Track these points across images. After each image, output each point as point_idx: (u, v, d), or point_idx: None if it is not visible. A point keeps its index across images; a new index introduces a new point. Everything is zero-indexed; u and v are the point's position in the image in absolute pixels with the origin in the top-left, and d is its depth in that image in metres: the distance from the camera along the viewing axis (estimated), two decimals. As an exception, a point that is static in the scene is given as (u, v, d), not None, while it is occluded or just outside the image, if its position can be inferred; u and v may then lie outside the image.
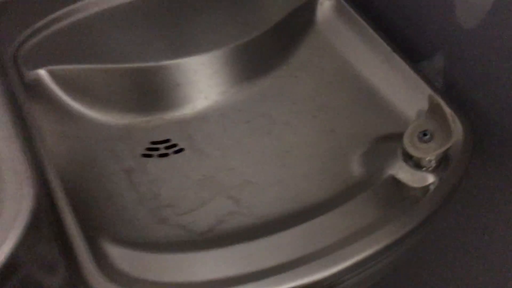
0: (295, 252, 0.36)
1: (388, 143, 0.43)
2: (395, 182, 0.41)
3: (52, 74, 0.43)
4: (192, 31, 0.47)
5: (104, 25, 0.45)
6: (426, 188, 0.40)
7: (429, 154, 0.38)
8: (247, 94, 0.47)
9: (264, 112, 0.46)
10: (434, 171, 0.40)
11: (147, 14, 0.46)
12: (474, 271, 0.57)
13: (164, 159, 0.43)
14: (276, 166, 0.43)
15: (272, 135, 0.45)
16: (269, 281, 0.34)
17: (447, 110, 0.36)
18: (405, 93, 0.45)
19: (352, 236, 0.37)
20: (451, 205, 0.44)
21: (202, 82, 0.46)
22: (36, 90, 0.43)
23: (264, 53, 0.48)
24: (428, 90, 0.45)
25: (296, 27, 0.50)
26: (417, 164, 0.40)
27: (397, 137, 0.41)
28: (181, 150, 0.43)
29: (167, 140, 0.44)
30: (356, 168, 0.43)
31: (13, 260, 0.27)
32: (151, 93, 0.45)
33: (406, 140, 0.39)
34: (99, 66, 0.43)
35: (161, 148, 0.43)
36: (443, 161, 0.41)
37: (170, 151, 0.43)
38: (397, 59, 0.47)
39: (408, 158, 0.40)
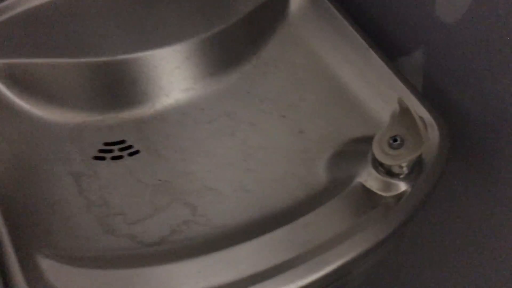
0: (255, 267, 0.34)
1: (359, 147, 0.40)
2: (365, 189, 0.38)
3: (-6, 68, 0.40)
4: (152, 22, 0.44)
5: (52, 15, 0.41)
6: (398, 196, 0.38)
7: (399, 161, 0.35)
8: (211, 92, 0.44)
9: (228, 111, 0.43)
10: (406, 178, 0.38)
11: (103, 4, 0.43)
12: (450, 273, 0.55)
13: (118, 162, 0.40)
14: (239, 170, 0.40)
15: (236, 136, 0.42)
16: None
17: (416, 115, 0.33)
18: (380, 93, 0.43)
19: (318, 248, 0.35)
20: (425, 210, 0.42)
21: (163, 78, 0.43)
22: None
23: (231, 47, 0.45)
24: (404, 90, 0.42)
25: (267, 19, 0.47)
26: (388, 171, 0.37)
27: (369, 140, 0.38)
28: (136, 152, 0.40)
29: (122, 141, 0.41)
30: (324, 174, 0.40)
31: None
32: (106, 90, 0.41)
33: (375, 146, 0.36)
34: (47, 60, 0.40)
35: (115, 150, 0.40)
36: (416, 167, 0.38)
37: (124, 153, 0.40)
38: (373, 56, 0.44)
39: (379, 164, 0.38)
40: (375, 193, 0.37)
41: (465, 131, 0.44)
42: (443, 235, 0.54)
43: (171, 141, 0.41)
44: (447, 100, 0.45)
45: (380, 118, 0.42)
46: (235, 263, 0.33)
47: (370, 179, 0.38)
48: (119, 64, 0.41)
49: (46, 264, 0.31)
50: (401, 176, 0.38)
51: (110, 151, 0.40)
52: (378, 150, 0.36)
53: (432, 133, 0.39)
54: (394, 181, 0.37)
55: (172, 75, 0.43)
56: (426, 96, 0.47)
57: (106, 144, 0.40)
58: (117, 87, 0.42)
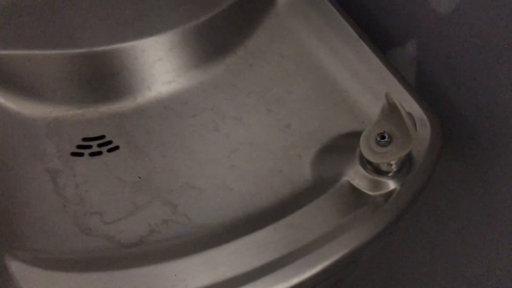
0: (235, 269, 0.32)
1: (347, 143, 0.39)
2: (352, 188, 0.37)
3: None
4: (133, 12, 0.42)
5: (28, 5, 0.40)
6: (386, 195, 0.36)
7: (387, 159, 0.33)
8: (195, 85, 0.42)
9: (213, 105, 0.41)
10: (395, 176, 0.36)
11: (81, -8, 0.41)
12: (444, 268, 0.54)
13: (96, 158, 0.38)
14: (222, 167, 0.38)
15: (220, 131, 0.40)
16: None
17: (404, 111, 0.31)
18: (370, 86, 0.41)
19: (302, 250, 0.33)
20: (417, 207, 0.41)
21: (144, 71, 0.41)
22: None
23: (216, 37, 0.43)
24: (396, 83, 0.40)
25: (254, 8, 0.45)
26: (376, 169, 0.36)
27: (358, 136, 0.37)
28: (116, 148, 0.39)
29: (102, 137, 0.39)
30: (311, 171, 0.38)
31: None
32: (85, 83, 0.40)
33: (363, 143, 0.34)
34: (22, 52, 0.38)
35: (94, 145, 0.39)
36: (405, 165, 0.36)
37: (103, 149, 0.38)
38: (364, 47, 0.42)
39: (367, 162, 0.36)
40: (363, 192, 0.36)
41: (458, 125, 0.43)
42: (436, 231, 0.52)
43: (152, 136, 0.40)
44: (441, 94, 0.43)
45: (370, 112, 0.40)
46: (214, 265, 0.32)
47: (357, 177, 0.36)
48: (98, 56, 0.40)
49: (16, 267, 0.30)
50: (390, 174, 0.36)
51: (89, 146, 0.39)
52: (365, 148, 0.34)
53: (423, 129, 0.38)
54: (382, 179, 0.36)
55: (154, 68, 0.41)
56: (419, 89, 0.45)
57: (85, 139, 0.39)
58: (97, 80, 0.40)
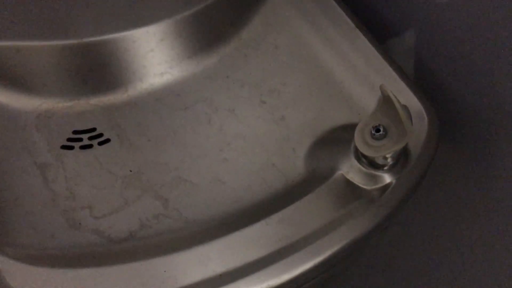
0: (226, 265, 0.32)
1: (342, 135, 0.38)
2: (347, 182, 0.36)
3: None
4: (124, 2, 0.41)
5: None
6: (382, 189, 0.36)
7: (382, 153, 0.33)
8: (188, 76, 0.41)
9: (206, 97, 0.41)
10: (391, 169, 0.35)
11: (71, -18, 0.40)
12: (443, 261, 0.53)
13: (87, 152, 0.37)
14: (215, 160, 0.38)
15: (212, 124, 0.39)
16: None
17: (399, 104, 0.30)
18: (367, 78, 0.40)
19: (294, 245, 0.33)
20: (412, 201, 0.40)
21: (135, 62, 0.40)
22: None
23: (209, 27, 0.42)
24: (393, 75, 0.40)
25: (248, -3, 0.44)
26: (371, 163, 0.35)
27: (354, 128, 0.36)
28: (107, 141, 0.38)
29: (92, 129, 0.38)
30: (305, 164, 0.38)
31: None
32: (75, 74, 0.39)
33: (357, 136, 0.34)
34: (11, 43, 0.37)
35: (85, 138, 0.38)
36: (401, 158, 0.36)
37: (94, 142, 0.38)
38: (360, 37, 0.41)
39: (362, 155, 0.35)
40: (358, 186, 0.35)
41: (457, 117, 0.42)
42: (434, 224, 0.52)
43: (144, 129, 0.39)
44: (439, 84, 0.42)
45: (366, 105, 0.40)
46: (205, 261, 0.31)
47: (352, 171, 0.35)
48: (88, 47, 0.39)
49: (3, 263, 0.29)
50: (386, 168, 0.35)
51: (79, 139, 0.38)
52: (360, 141, 0.34)
53: (421, 122, 0.37)
54: (377, 173, 0.35)
55: (145, 59, 0.40)
56: (417, 80, 0.44)
57: (75, 132, 0.38)
58: (87, 72, 0.39)
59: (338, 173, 0.36)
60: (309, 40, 0.43)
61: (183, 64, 0.42)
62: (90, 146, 0.38)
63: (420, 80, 0.44)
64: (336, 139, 0.38)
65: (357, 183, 0.35)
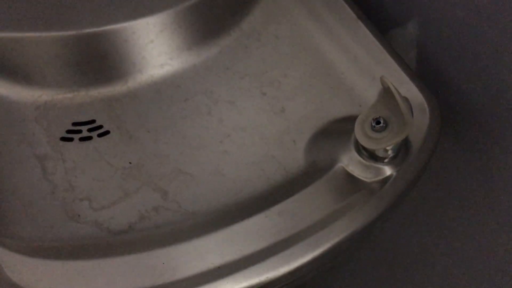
0: (227, 256, 0.32)
1: (342, 128, 0.37)
2: (347, 174, 0.36)
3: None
4: (123, -8, 0.41)
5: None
6: (382, 181, 0.35)
7: (382, 145, 0.32)
8: (188, 68, 0.41)
9: (206, 88, 0.40)
10: (391, 162, 0.35)
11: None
12: (442, 253, 0.53)
13: (86, 143, 0.37)
14: (215, 152, 0.38)
15: (212, 116, 0.39)
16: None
17: (399, 96, 0.30)
18: (368, 69, 0.40)
19: (292, 238, 0.33)
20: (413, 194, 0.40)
21: (135, 53, 0.40)
22: None
23: (210, 18, 0.42)
24: (395, 66, 0.39)
25: (249, -13, 0.44)
26: (372, 155, 0.35)
27: (354, 121, 0.35)
28: (106, 132, 0.38)
29: (92, 121, 0.38)
30: (305, 157, 0.37)
31: None
32: (74, 66, 0.39)
33: (357, 129, 0.33)
34: (10, 34, 0.37)
35: (84, 130, 0.38)
36: (402, 150, 0.35)
37: (94, 134, 0.38)
38: (362, 28, 0.41)
39: (362, 147, 0.35)
40: (358, 179, 0.35)
41: (459, 109, 0.41)
42: (435, 216, 0.52)
43: (143, 120, 0.39)
44: (442, 77, 0.42)
45: (368, 96, 0.39)
46: (203, 253, 0.31)
47: (352, 163, 0.35)
48: (88, 38, 0.38)
49: (3, 255, 0.29)
50: (386, 160, 0.35)
51: (79, 131, 0.38)
52: (360, 133, 0.33)
53: (422, 114, 0.37)
54: (378, 165, 0.35)
55: (145, 50, 0.40)
56: (419, 72, 0.44)
57: (75, 124, 0.38)
58: (87, 63, 0.39)
59: (338, 165, 0.35)
60: (310, 31, 0.43)
61: (183, 56, 0.41)
62: (90, 138, 0.38)
63: (422, 72, 0.43)
64: (337, 131, 0.38)
65: (357, 176, 0.35)
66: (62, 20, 0.39)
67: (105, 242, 0.32)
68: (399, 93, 0.30)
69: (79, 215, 0.34)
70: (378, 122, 0.33)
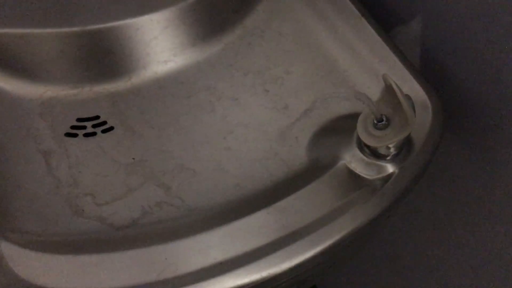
0: (229, 252, 0.32)
1: (345, 125, 0.37)
2: (349, 172, 0.36)
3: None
4: (127, -11, 0.41)
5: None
6: (384, 178, 0.35)
7: (384, 143, 0.32)
8: (191, 64, 0.41)
9: (209, 85, 0.41)
10: (393, 159, 0.35)
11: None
12: (444, 249, 0.53)
13: (90, 139, 0.38)
14: (217, 149, 0.38)
15: (215, 112, 0.39)
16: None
17: (401, 94, 0.30)
18: (372, 67, 0.40)
19: (296, 234, 0.33)
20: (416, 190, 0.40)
21: (139, 50, 0.40)
22: None
23: (213, 15, 0.42)
24: (398, 64, 0.39)
25: (253, -15, 0.44)
26: (374, 152, 0.35)
27: (356, 118, 0.36)
28: (110, 128, 0.38)
29: (96, 117, 0.38)
30: (307, 153, 0.37)
31: None
32: (79, 62, 0.39)
33: (360, 126, 0.33)
34: (15, 30, 0.37)
35: (88, 126, 0.38)
36: (404, 148, 0.35)
37: (98, 129, 0.38)
38: (365, 26, 0.41)
39: (364, 145, 0.35)
40: (360, 176, 0.35)
41: (462, 107, 0.41)
42: (438, 213, 0.52)
43: (147, 117, 0.39)
44: (445, 74, 0.42)
45: (371, 94, 0.39)
46: (205, 249, 0.32)
47: (354, 160, 0.35)
48: (92, 35, 0.39)
49: (8, 249, 0.30)
50: (388, 158, 0.35)
51: (83, 127, 0.38)
52: (362, 131, 0.33)
53: (425, 112, 0.37)
54: (380, 162, 0.35)
55: (149, 46, 0.40)
56: (423, 69, 0.44)
57: (79, 120, 0.38)
58: (91, 59, 0.39)
59: (341, 162, 0.35)
60: (314, 28, 0.43)
61: (187, 52, 0.41)
62: (94, 133, 0.38)
63: (426, 69, 0.43)
64: (339, 129, 0.38)
65: (359, 173, 0.35)
66: (67, 17, 0.39)
67: (108, 237, 0.32)
68: (401, 91, 0.30)
69: (83, 210, 0.34)
70: (380, 120, 0.33)
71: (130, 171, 0.36)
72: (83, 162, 0.36)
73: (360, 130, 0.33)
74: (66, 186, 0.35)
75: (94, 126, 0.38)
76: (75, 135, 0.38)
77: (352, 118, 0.38)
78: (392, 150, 0.35)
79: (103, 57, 0.39)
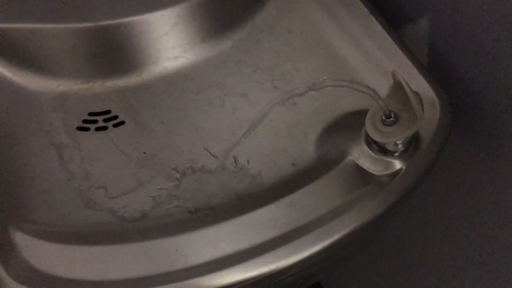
0: (238, 245, 0.32)
1: (353, 122, 0.38)
2: (357, 167, 0.36)
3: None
4: (139, -15, 0.41)
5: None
6: (392, 175, 0.36)
7: (393, 139, 0.33)
8: (201, 60, 0.42)
9: (219, 81, 0.41)
10: (401, 156, 0.36)
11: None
12: (450, 246, 0.53)
13: (102, 133, 0.38)
14: (227, 144, 0.38)
15: (225, 108, 0.40)
16: (202, 280, 0.31)
17: (410, 91, 0.30)
18: (380, 64, 0.40)
19: (304, 228, 0.33)
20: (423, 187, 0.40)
21: (150, 45, 0.40)
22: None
23: (223, 12, 0.42)
24: (406, 61, 0.39)
25: (263, -18, 0.44)
26: (382, 148, 0.36)
27: (364, 114, 0.36)
28: (121, 123, 0.39)
29: (107, 112, 0.39)
30: (315, 149, 0.38)
31: None
32: (91, 57, 0.40)
33: (368, 122, 0.34)
34: (28, 25, 0.38)
35: (100, 120, 0.39)
36: (412, 145, 0.36)
37: (109, 124, 0.38)
38: (374, 23, 0.41)
39: (372, 141, 0.36)
40: (368, 172, 0.36)
41: (470, 105, 0.42)
42: (445, 210, 0.52)
43: (157, 112, 0.39)
44: (453, 72, 0.42)
45: (379, 91, 0.39)
46: (215, 241, 0.32)
47: (362, 156, 0.36)
48: (104, 30, 0.39)
49: (22, 240, 0.31)
50: (396, 154, 0.36)
51: (95, 121, 0.39)
52: (371, 127, 0.34)
53: (432, 109, 0.37)
54: (388, 159, 0.36)
55: (160, 42, 0.41)
56: (431, 67, 0.44)
57: (91, 114, 0.39)
58: (103, 55, 0.40)
59: (349, 158, 0.36)
60: (323, 26, 0.43)
61: (197, 48, 0.42)
62: (105, 128, 0.39)
63: (434, 67, 0.44)
64: (347, 125, 0.38)
65: (367, 169, 0.35)
66: (79, 12, 0.39)
67: (119, 229, 0.33)
68: (410, 88, 0.31)
69: (95, 203, 0.35)
70: (388, 116, 0.33)
71: (141, 164, 0.37)
72: (95, 156, 0.37)
73: (368, 126, 0.33)
74: (78, 179, 0.36)
75: (105, 120, 0.39)
76: (87, 129, 0.38)
77: (360, 114, 0.38)
78: (400, 146, 0.35)
79: (115, 53, 0.40)
